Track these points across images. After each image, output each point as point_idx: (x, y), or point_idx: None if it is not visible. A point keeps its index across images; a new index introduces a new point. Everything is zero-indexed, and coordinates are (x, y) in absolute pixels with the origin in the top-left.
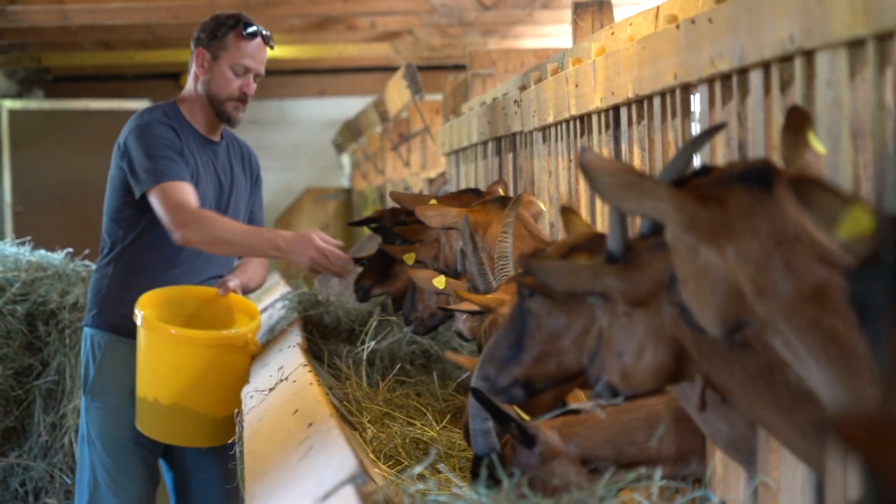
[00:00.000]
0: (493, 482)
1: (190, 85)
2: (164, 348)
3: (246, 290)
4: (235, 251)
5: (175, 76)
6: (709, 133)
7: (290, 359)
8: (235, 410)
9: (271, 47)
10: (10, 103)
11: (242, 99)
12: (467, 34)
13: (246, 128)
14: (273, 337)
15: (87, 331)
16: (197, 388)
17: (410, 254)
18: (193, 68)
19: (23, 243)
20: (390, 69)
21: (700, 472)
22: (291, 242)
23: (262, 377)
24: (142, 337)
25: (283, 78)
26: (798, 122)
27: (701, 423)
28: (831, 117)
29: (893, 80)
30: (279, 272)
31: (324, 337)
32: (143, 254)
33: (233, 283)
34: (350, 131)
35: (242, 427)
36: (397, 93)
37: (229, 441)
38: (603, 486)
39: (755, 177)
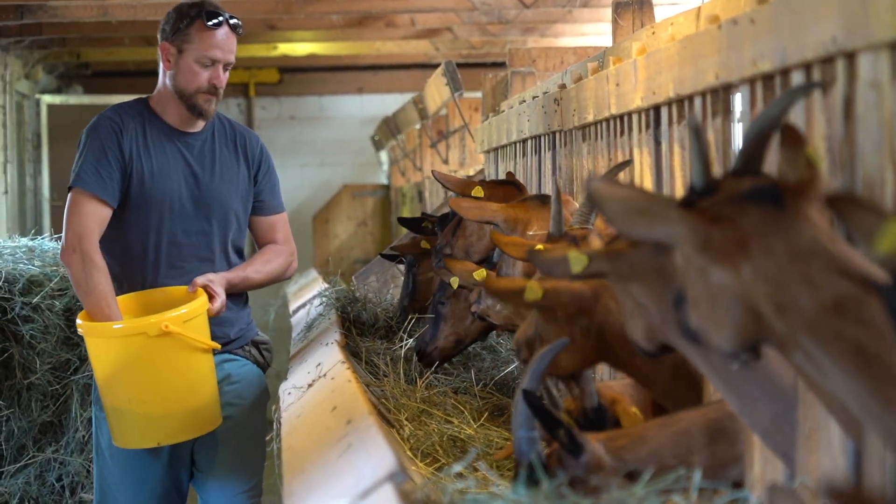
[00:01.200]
0: (533, 483)
1: (160, 80)
2: (90, 344)
3: (249, 284)
4: (80, 297)
5: None
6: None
7: (327, 355)
8: (208, 397)
9: (239, 34)
10: (49, 98)
11: (212, 91)
12: (507, 32)
13: (285, 124)
14: (310, 332)
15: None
16: (126, 382)
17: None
18: (161, 63)
19: (61, 238)
20: (430, 66)
21: (739, 476)
22: None
23: (299, 374)
24: (87, 344)
25: (322, 74)
26: (793, 140)
27: (741, 408)
28: (872, 119)
29: None
30: (316, 269)
31: (361, 334)
32: (121, 261)
33: (202, 278)
34: (389, 128)
35: (280, 424)
36: (436, 90)
37: (213, 428)
38: (642, 486)
39: (766, 194)
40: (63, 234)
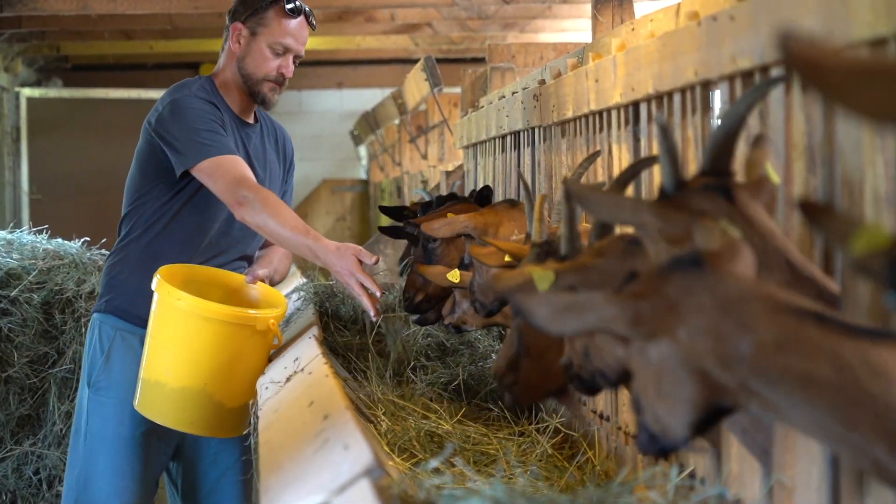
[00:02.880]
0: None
1: (223, 61)
2: (178, 318)
3: (272, 283)
4: (276, 241)
5: (194, 66)
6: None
7: (305, 350)
8: (250, 402)
9: (313, 27)
10: (28, 91)
11: (279, 81)
12: (486, 27)
13: None
14: (288, 328)
15: (96, 317)
16: (209, 368)
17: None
18: (228, 43)
19: (40, 232)
20: (409, 62)
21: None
22: (333, 256)
23: (277, 368)
24: (155, 304)
25: (301, 69)
26: (762, 146)
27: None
28: (852, 117)
29: None
30: (295, 263)
31: (340, 329)
32: (165, 238)
33: (262, 272)
34: (368, 123)
35: (257, 418)
36: (416, 85)
37: (239, 434)
38: (618, 482)
39: (685, 261)
40: (229, 201)
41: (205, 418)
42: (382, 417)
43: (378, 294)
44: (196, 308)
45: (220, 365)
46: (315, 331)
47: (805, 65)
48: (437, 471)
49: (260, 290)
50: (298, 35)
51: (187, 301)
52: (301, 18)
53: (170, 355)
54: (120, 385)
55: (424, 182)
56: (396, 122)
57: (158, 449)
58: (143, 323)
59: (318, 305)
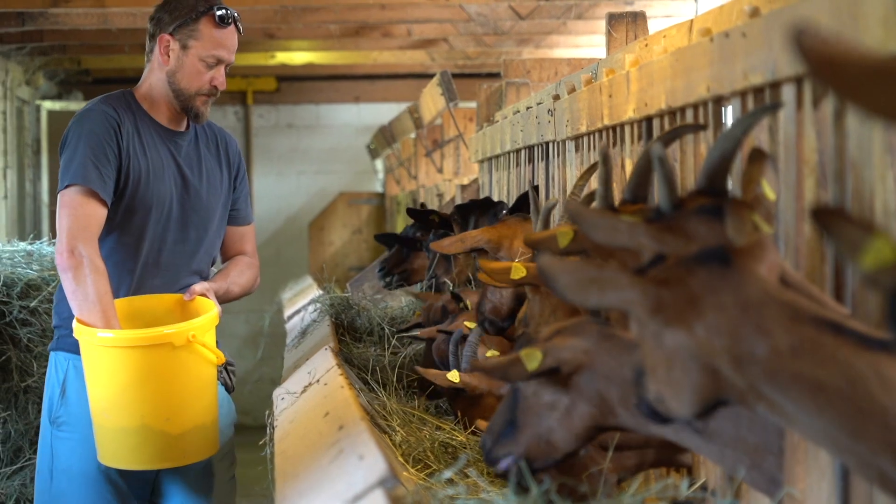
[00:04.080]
0: (522, 489)
1: (151, 73)
2: (96, 355)
3: (229, 296)
4: (75, 308)
5: None
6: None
7: (321, 361)
8: (209, 420)
9: (241, 32)
10: (49, 104)
11: (213, 93)
12: (502, 43)
13: (282, 132)
14: (305, 340)
15: (52, 355)
16: (139, 399)
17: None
18: (155, 55)
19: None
20: (425, 76)
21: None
22: None
23: (293, 380)
24: (81, 350)
25: (319, 83)
26: (758, 161)
27: (720, 455)
28: (863, 132)
29: None
30: (311, 276)
31: (355, 340)
32: (103, 261)
33: (199, 286)
34: (384, 137)
35: (273, 429)
36: (432, 100)
37: (207, 456)
38: (630, 494)
39: (712, 255)
40: (59, 236)
41: (166, 450)
42: (397, 428)
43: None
44: (104, 340)
45: (155, 392)
46: (331, 342)
47: (819, 62)
48: (450, 481)
49: (199, 305)
50: (230, 44)
51: (93, 335)
52: (232, 27)
53: (101, 395)
54: (79, 420)
55: (440, 196)
56: (412, 136)
57: (133, 482)
58: None
59: (334, 317)
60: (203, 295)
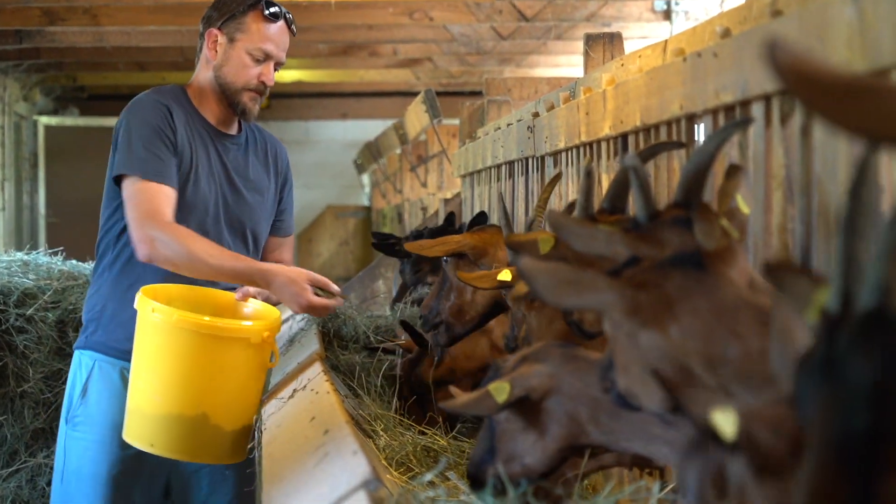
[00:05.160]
0: (499, 492)
1: (200, 71)
2: (162, 335)
3: (271, 302)
4: (204, 274)
5: None
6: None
7: (308, 368)
8: (250, 425)
9: (293, 33)
10: (46, 119)
11: (260, 90)
12: (484, 62)
13: None
14: (292, 347)
15: (77, 354)
16: (199, 388)
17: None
18: (204, 52)
19: (55, 253)
20: (410, 94)
21: None
22: (279, 285)
23: (280, 384)
24: (138, 324)
25: (308, 100)
26: (734, 176)
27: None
28: (829, 148)
29: None
30: None
31: (342, 347)
32: (139, 261)
33: (253, 288)
34: (371, 152)
35: (261, 433)
36: (416, 117)
37: (237, 460)
38: (604, 496)
39: (687, 259)
40: (129, 228)
41: (198, 443)
42: (381, 433)
43: (336, 303)
44: (182, 322)
45: (212, 384)
46: (317, 349)
47: (792, 77)
48: (431, 484)
49: (252, 306)
50: (279, 41)
51: (171, 314)
52: (282, 23)
53: (156, 376)
54: (97, 421)
55: (424, 209)
56: (398, 151)
57: (143, 490)
58: (122, 355)
59: (321, 325)
60: (255, 297)
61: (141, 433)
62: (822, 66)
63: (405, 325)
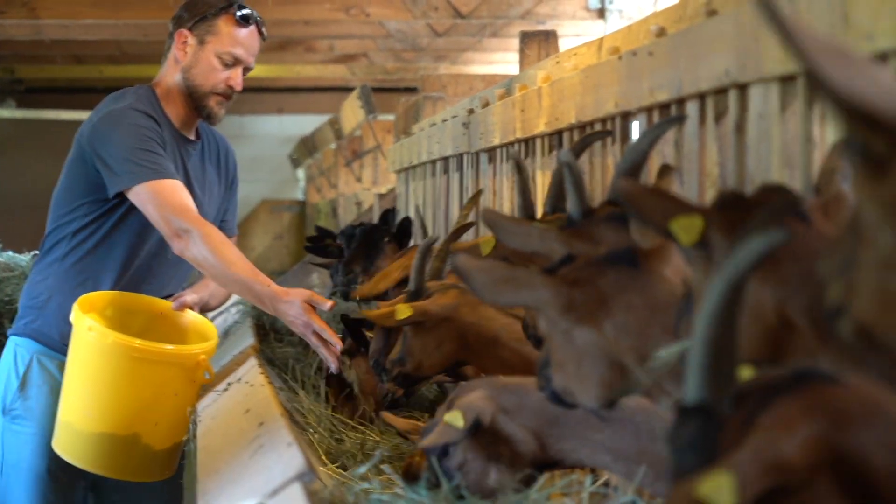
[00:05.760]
0: (433, 485)
1: (166, 69)
2: (99, 356)
3: (207, 308)
4: (217, 280)
5: None
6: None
7: (242, 361)
8: (178, 442)
9: (264, 37)
10: None
11: (228, 94)
12: (420, 59)
13: None
14: (227, 339)
15: (13, 340)
16: (132, 410)
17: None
18: (172, 52)
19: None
20: (346, 90)
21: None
22: (284, 304)
23: (215, 378)
24: (73, 338)
25: (243, 95)
26: (666, 176)
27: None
28: (762, 148)
29: (821, 115)
30: None
31: (277, 341)
32: (93, 259)
33: (190, 298)
34: (306, 147)
35: (196, 424)
36: (352, 112)
37: (168, 476)
38: (536, 489)
39: (621, 257)
40: (160, 228)
41: (127, 462)
42: (315, 426)
43: (338, 345)
44: (116, 345)
45: (145, 405)
46: (252, 342)
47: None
48: (365, 477)
49: (188, 319)
50: (249, 45)
51: (107, 336)
52: (253, 28)
53: (89, 394)
54: (36, 414)
55: (358, 204)
56: (333, 146)
57: (77, 484)
58: (63, 349)
59: (256, 319)
60: (191, 307)
61: (70, 447)
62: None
63: (346, 321)
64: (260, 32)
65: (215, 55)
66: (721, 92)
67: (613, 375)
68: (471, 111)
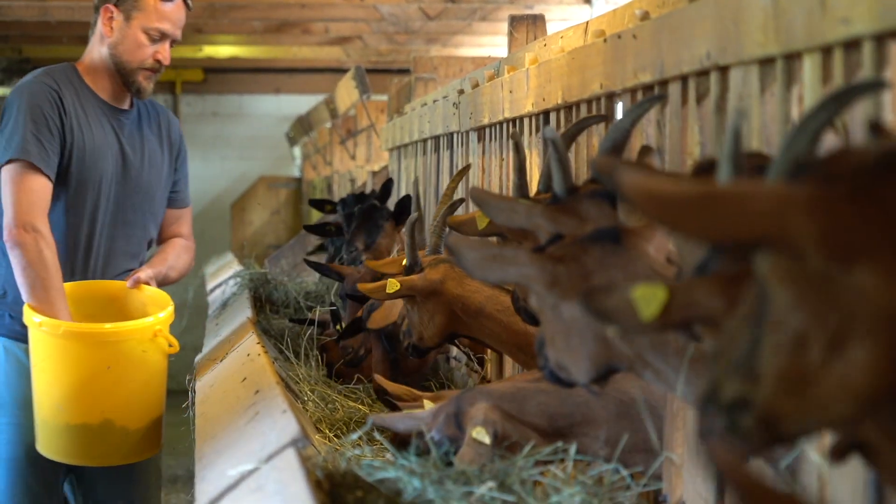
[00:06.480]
0: (422, 452)
1: (93, 46)
2: (57, 349)
3: (167, 281)
4: (28, 291)
5: None
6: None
7: (240, 331)
8: (156, 418)
9: (189, 7)
10: None
11: (156, 68)
12: (412, 41)
13: (208, 119)
14: (225, 311)
15: None
16: (100, 394)
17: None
18: (98, 27)
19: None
20: (341, 71)
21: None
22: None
23: (213, 347)
24: (31, 335)
25: (242, 75)
26: (645, 156)
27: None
28: (743, 128)
29: (799, 96)
30: (233, 253)
31: (273, 312)
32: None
33: (144, 274)
34: (302, 126)
35: (195, 393)
36: (346, 92)
37: (154, 453)
38: (522, 457)
39: (605, 234)
40: (6, 211)
41: (108, 448)
42: (309, 394)
43: None
44: (68, 332)
45: (111, 388)
46: (249, 313)
47: (639, 196)
48: (357, 444)
49: (145, 294)
50: (176, 19)
51: (58, 327)
52: (178, 1)
53: (54, 387)
54: (8, 403)
55: (352, 181)
56: (328, 125)
57: (58, 468)
58: (26, 338)
59: (253, 291)
60: (147, 283)
61: (50, 445)
62: (669, 184)
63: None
64: (185, 4)
65: (142, 31)
66: (702, 74)
67: (599, 349)
68: (461, 92)
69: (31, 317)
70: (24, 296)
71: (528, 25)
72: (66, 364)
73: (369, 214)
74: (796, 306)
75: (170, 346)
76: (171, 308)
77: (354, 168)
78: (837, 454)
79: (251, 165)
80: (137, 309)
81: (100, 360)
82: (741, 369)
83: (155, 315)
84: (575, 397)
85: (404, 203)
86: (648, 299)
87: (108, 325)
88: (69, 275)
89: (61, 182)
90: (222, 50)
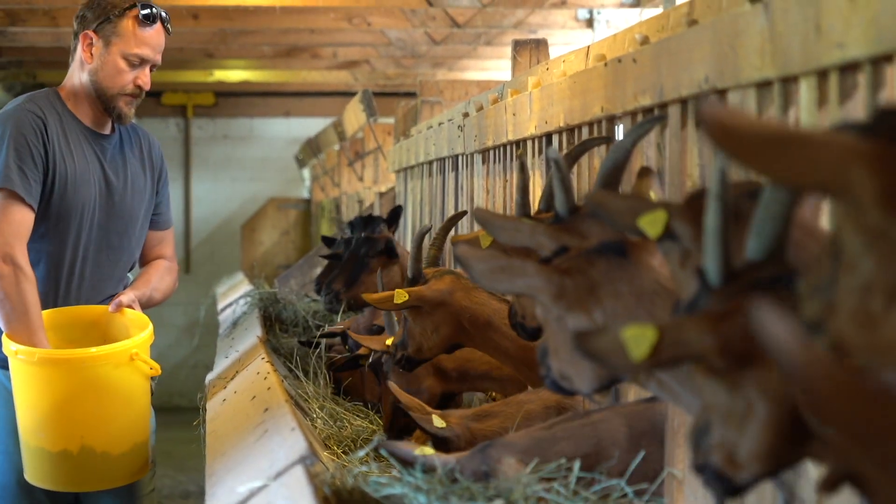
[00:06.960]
0: (429, 469)
1: (74, 72)
2: (33, 376)
3: (151, 303)
4: (8, 324)
5: (157, 94)
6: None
7: (250, 350)
8: (141, 441)
9: (169, 32)
10: None
11: (136, 93)
12: (418, 65)
13: (219, 142)
14: (236, 330)
15: None
16: (79, 420)
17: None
18: (78, 53)
19: None
20: (349, 94)
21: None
22: None
23: (225, 365)
24: (11, 368)
25: (253, 99)
26: (646, 176)
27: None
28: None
29: (795, 119)
30: (243, 272)
31: (282, 331)
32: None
33: (126, 297)
34: (311, 148)
35: (205, 410)
36: (354, 115)
37: (135, 480)
38: (527, 473)
39: (611, 247)
40: None
41: (93, 473)
42: (318, 412)
43: None
44: (44, 359)
45: (92, 413)
46: (259, 332)
47: (719, 132)
48: (365, 461)
49: (128, 318)
50: (155, 44)
51: (33, 354)
52: (157, 26)
53: (35, 415)
54: None
55: (360, 202)
56: (336, 147)
57: (56, 495)
58: (8, 364)
59: (263, 310)
60: (129, 307)
61: (37, 473)
62: (746, 121)
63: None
64: (164, 28)
65: (122, 57)
66: (701, 97)
67: None
68: (466, 115)
69: (8, 345)
70: (3, 326)
71: (531, 50)
72: (43, 391)
73: (354, 257)
74: (864, 254)
75: (150, 368)
76: (149, 330)
77: (362, 189)
78: (829, 485)
79: (261, 187)
80: (120, 332)
81: (76, 385)
82: (822, 295)
83: (129, 340)
84: (588, 438)
85: (397, 212)
86: (638, 340)
87: (80, 351)
88: (54, 302)
89: (44, 210)
90: (233, 74)
